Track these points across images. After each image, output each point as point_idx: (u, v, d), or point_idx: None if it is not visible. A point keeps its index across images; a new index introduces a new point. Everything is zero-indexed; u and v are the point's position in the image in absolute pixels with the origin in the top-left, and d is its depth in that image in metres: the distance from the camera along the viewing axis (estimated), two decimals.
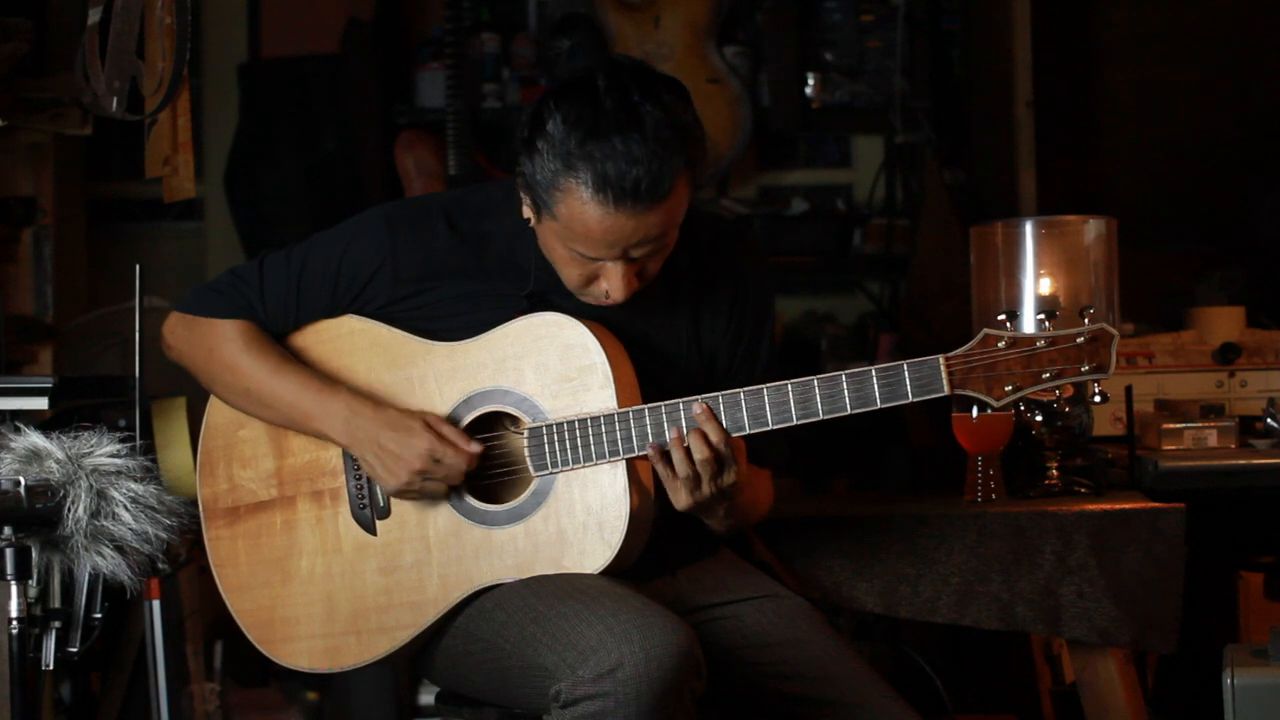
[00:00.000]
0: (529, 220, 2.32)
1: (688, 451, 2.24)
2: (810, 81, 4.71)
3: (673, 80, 2.26)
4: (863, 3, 4.74)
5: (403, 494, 2.36)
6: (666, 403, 2.27)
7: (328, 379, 2.42)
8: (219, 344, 2.45)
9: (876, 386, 2.21)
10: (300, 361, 2.46)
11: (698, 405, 2.25)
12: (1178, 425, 3.06)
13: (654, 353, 2.40)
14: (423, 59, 4.72)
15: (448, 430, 2.34)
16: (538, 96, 2.28)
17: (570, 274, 2.30)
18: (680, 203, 2.24)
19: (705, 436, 2.24)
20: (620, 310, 2.35)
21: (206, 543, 2.54)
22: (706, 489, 2.26)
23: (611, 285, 2.27)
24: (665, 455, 2.26)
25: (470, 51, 4.62)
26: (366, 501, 2.43)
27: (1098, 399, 2.20)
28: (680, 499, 2.28)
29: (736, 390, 2.26)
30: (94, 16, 2.84)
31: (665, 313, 2.42)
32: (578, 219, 2.21)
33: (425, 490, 2.34)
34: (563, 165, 2.20)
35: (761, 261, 2.52)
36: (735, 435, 2.26)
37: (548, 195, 2.23)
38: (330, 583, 2.44)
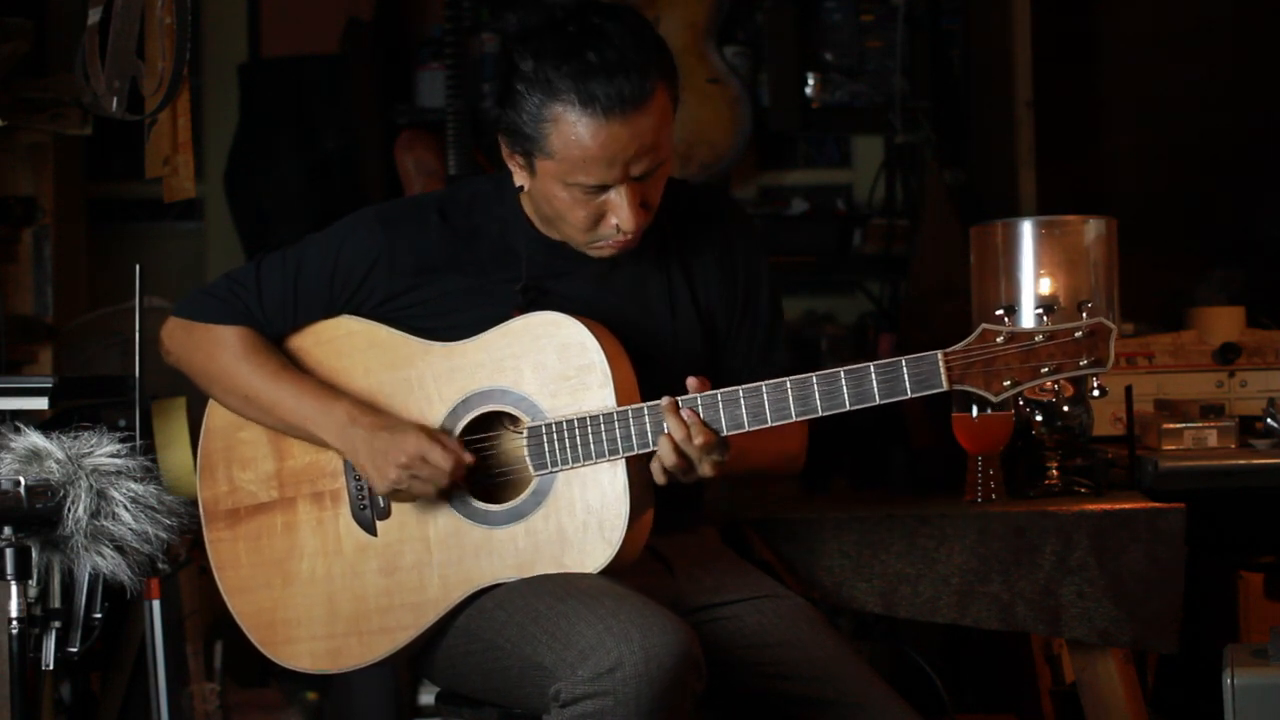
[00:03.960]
0: (522, 188, 2.33)
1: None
2: (810, 81, 4.71)
3: (627, 6, 2.30)
4: (863, 3, 4.74)
5: (393, 493, 2.36)
6: (665, 401, 2.27)
7: (329, 387, 2.42)
8: (217, 349, 2.46)
9: (875, 382, 2.21)
10: (299, 368, 2.46)
11: (686, 412, 2.25)
12: (1178, 425, 3.06)
13: (651, 327, 2.41)
14: (423, 59, 4.72)
15: (441, 435, 2.34)
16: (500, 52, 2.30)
17: (577, 218, 2.30)
18: (666, 113, 2.26)
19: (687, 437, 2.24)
20: (616, 284, 2.36)
21: (207, 545, 2.53)
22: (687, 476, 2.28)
23: (620, 216, 2.28)
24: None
25: (470, 51, 4.62)
26: (367, 503, 2.43)
27: (1096, 393, 2.20)
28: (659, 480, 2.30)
29: (735, 388, 2.26)
30: (94, 16, 2.84)
31: (659, 280, 2.44)
32: (574, 144, 2.22)
33: (413, 490, 2.34)
34: (545, 95, 2.22)
35: (744, 218, 2.55)
36: (734, 433, 2.26)
37: (537, 133, 2.24)
38: (331, 584, 2.44)
